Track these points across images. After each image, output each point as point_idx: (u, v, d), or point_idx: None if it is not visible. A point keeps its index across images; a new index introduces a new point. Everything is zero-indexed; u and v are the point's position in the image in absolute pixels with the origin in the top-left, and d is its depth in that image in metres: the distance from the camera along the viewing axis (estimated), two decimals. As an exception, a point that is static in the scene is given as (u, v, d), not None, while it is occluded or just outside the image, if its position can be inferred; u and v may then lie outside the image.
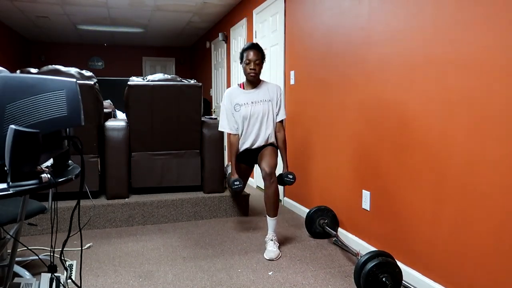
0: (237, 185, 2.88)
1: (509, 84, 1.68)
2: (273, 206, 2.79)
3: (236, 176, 2.94)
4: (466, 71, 1.89)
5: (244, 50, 2.87)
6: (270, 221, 2.82)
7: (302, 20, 3.64)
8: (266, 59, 2.97)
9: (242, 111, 2.92)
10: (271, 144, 3.01)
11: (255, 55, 2.82)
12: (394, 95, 2.40)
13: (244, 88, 2.97)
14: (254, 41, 4.81)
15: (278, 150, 3.05)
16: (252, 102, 2.92)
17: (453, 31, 1.96)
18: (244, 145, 2.98)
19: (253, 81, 2.92)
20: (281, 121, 3.02)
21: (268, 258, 2.65)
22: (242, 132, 2.96)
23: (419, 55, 2.19)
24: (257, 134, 2.94)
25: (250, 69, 2.83)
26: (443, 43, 2.02)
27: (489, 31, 1.77)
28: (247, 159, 3.04)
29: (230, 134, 2.98)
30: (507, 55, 1.69)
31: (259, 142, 2.96)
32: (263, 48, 4.58)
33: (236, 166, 3.02)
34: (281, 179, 2.92)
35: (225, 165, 2.99)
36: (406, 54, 2.28)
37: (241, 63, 2.91)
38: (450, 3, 1.97)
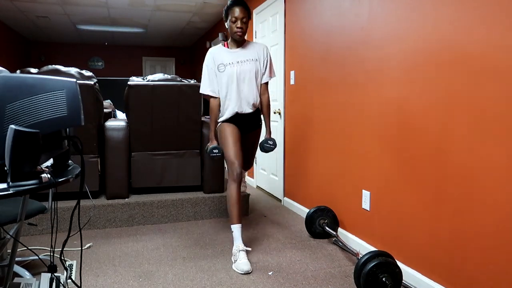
0: (215, 153, 2.72)
1: (509, 84, 1.68)
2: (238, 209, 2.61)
3: (215, 143, 2.78)
4: (466, 70, 1.89)
5: (229, 7, 2.65)
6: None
7: (302, 20, 3.64)
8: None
9: (227, 71, 2.70)
10: (258, 117, 2.88)
11: (241, 12, 2.61)
12: (394, 95, 2.40)
13: (228, 47, 2.77)
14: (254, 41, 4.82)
15: (261, 116, 2.94)
16: (238, 62, 2.72)
17: (453, 30, 1.96)
18: (228, 110, 2.77)
19: (239, 41, 2.74)
20: (266, 84, 2.85)
21: (243, 271, 2.40)
22: (225, 95, 2.75)
23: (419, 55, 2.19)
24: (243, 98, 2.75)
25: (237, 27, 2.63)
26: (443, 43, 2.02)
27: (489, 30, 1.77)
28: (238, 123, 2.81)
29: (210, 97, 2.79)
30: (507, 55, 1.69)
31: (245, 107, 2.77)
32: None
33: (223, 131, 2.75)
34: (262, 145, 2.84)
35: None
36: (406, 54, 2.29)
37: (225, 21, 2.70)
38: (450, 3, 1.97)
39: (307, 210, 3.46)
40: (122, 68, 9.59)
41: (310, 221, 3.03)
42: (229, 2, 2.69)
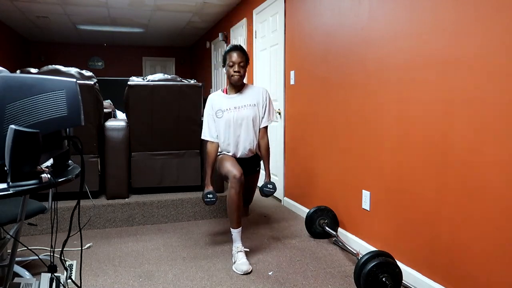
0: (210, 198, 2.73)
1: (509, 83, 1.68)
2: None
3: (210, 188, 2.78)
4: (466, 70, 1.89)
5: (227, 52, 2.72)
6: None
7: (302, 20, 3.64)
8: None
9: (225, 117, 2.74)
10: (256, 163, 2.88)
11: (239, 57, 2.68)
12: (394, 95, 2.40)
13: (227, 93, 2.81)
14: (254, 41, 4.82)
15: (261, 160, 2.93)
16: (236, 107, 2.75)
17: (453, 31, 1.96)
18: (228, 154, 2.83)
19: (237, 85, 2.77)
20: (265, 127, 2.87)
21: (243, 272, 2.42)
22: (223, 141, 2.79)
23: (419, 55, 2.19)
24: (240, 143, 2.78)
25: (234, 71, 2.68)
26: (443, 43, 2.02)
27: (489, 31, 1.77)
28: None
29: (208, 141, 2.82)
30: (506, 55, 1.69)
31: (242, 152, 2.81)
32: (262, 48, 4.62)
33: (223, 157, 2.80)
34: (261, 190, 2.82)
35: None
36: (406, 54, 2.28)
37: (224, 66, 2.76)
38: (450, 3, 1.97)
39: (307, 210, 3.46)
40: (122, 68, 9.58)
41: (310, 221, 3.03)
42: (226, 48, 2.76)
